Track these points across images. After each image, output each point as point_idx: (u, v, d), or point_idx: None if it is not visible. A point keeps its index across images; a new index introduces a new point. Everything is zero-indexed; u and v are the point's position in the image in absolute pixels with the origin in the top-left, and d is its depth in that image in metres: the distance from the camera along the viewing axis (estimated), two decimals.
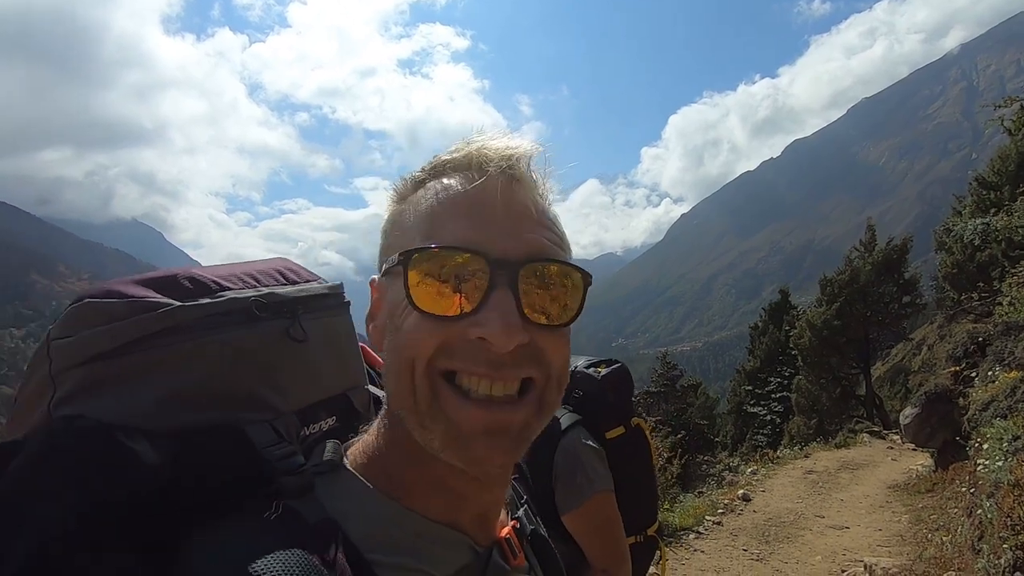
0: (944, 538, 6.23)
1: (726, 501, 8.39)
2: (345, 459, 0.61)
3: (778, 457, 11.95)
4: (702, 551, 6.62)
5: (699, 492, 9.61)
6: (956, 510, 7.00)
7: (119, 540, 0.50)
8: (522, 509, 0.74)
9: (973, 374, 8.95)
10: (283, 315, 0.66)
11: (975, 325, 11.66)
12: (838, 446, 12.89)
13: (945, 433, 9.11)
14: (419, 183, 0.61)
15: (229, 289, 0.63)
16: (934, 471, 9.12)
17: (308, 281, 0.74)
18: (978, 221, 13.49)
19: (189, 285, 0.62)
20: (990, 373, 7.90)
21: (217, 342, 0.60)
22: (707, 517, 7.58)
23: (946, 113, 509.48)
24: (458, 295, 0.53)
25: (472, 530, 0.62)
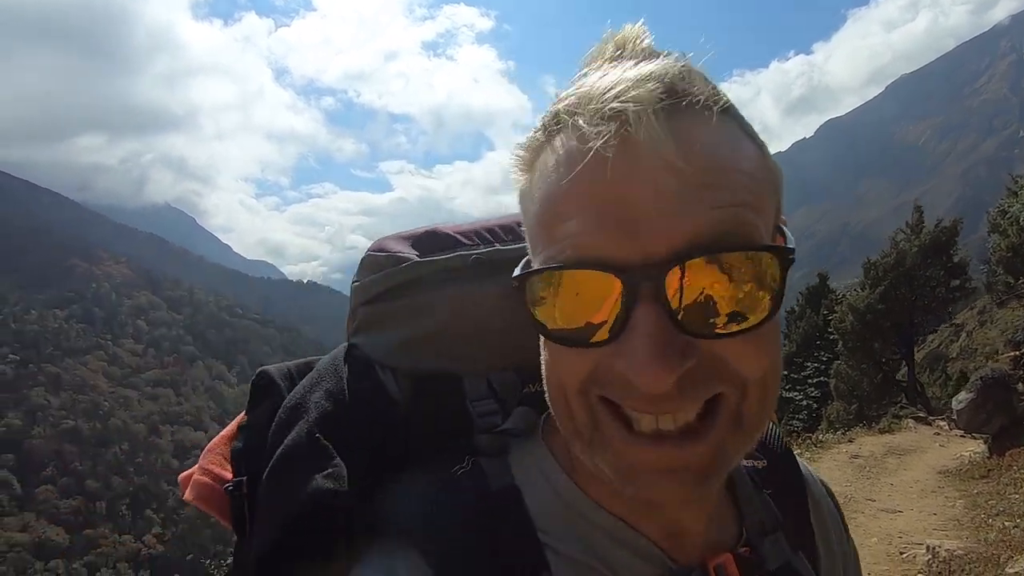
0: (1006, 522, 6.15)
1: None
2: (541, 427, 0.59)
3: (821, 441, 11.83)
4: None
5: None
6: (1017, 495, 6.89)
7: (344, 458, 0.57)
8: (771, 536, 0.60)
9: None
10: (506, 272, 0.66)
11: None
12: (882, 431, 12.67)
13: (1002, 418, 8.91)
14: (539, 147, 0.49)
15: (464, 245, 0.66)
16: (988, 457, 8.94)
17: None
18: None
19: (433, 241, 0.67)
20: None
21: (444, 296, 0.63)
22: None
23: (992, 88, 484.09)
24: (591, 320, 0.43)
25: (663, 543, 0.54)
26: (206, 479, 0.63)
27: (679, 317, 0.41)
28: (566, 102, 0.46)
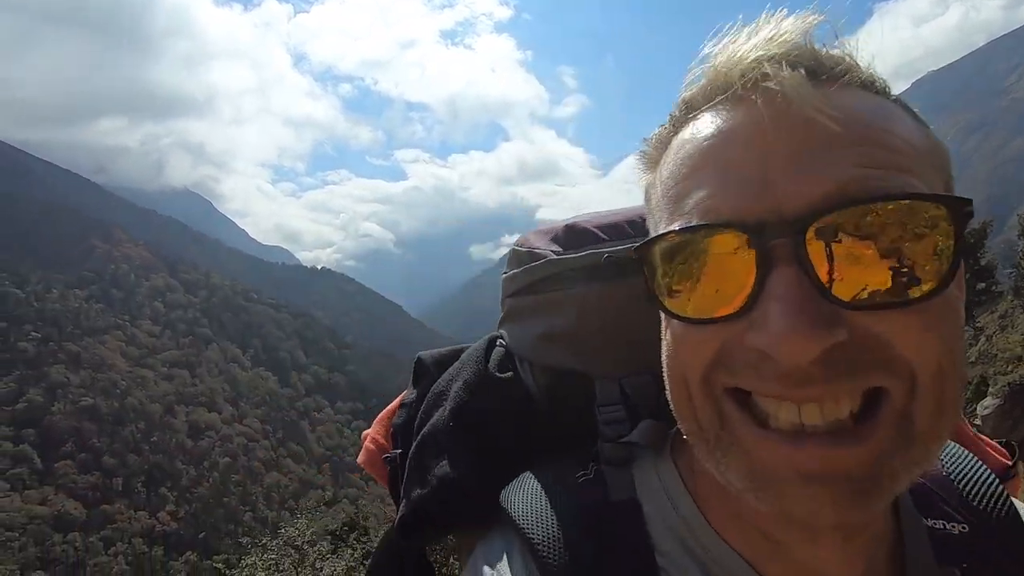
0: None
1: None
2: (670, 442, 0.56)
3: None
4: None
5: None
6: None
7: (474, 447, 0.61)
8: None
9: None
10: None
11: None
12: None
13: None
14: (665, 141, 0.46)
15: (602, 241, 0.64)
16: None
17: None
18: None
19: (572, 236, 0.66)
20: None
21: (575, 294, 0.62)
22: None
23: (1023, 87, 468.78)
24: (723, 287, 0.38)
25: None
26: (373, 447, 0.72)
27: (823, 281, 0.34)
28: (696, 87, 0.43)
